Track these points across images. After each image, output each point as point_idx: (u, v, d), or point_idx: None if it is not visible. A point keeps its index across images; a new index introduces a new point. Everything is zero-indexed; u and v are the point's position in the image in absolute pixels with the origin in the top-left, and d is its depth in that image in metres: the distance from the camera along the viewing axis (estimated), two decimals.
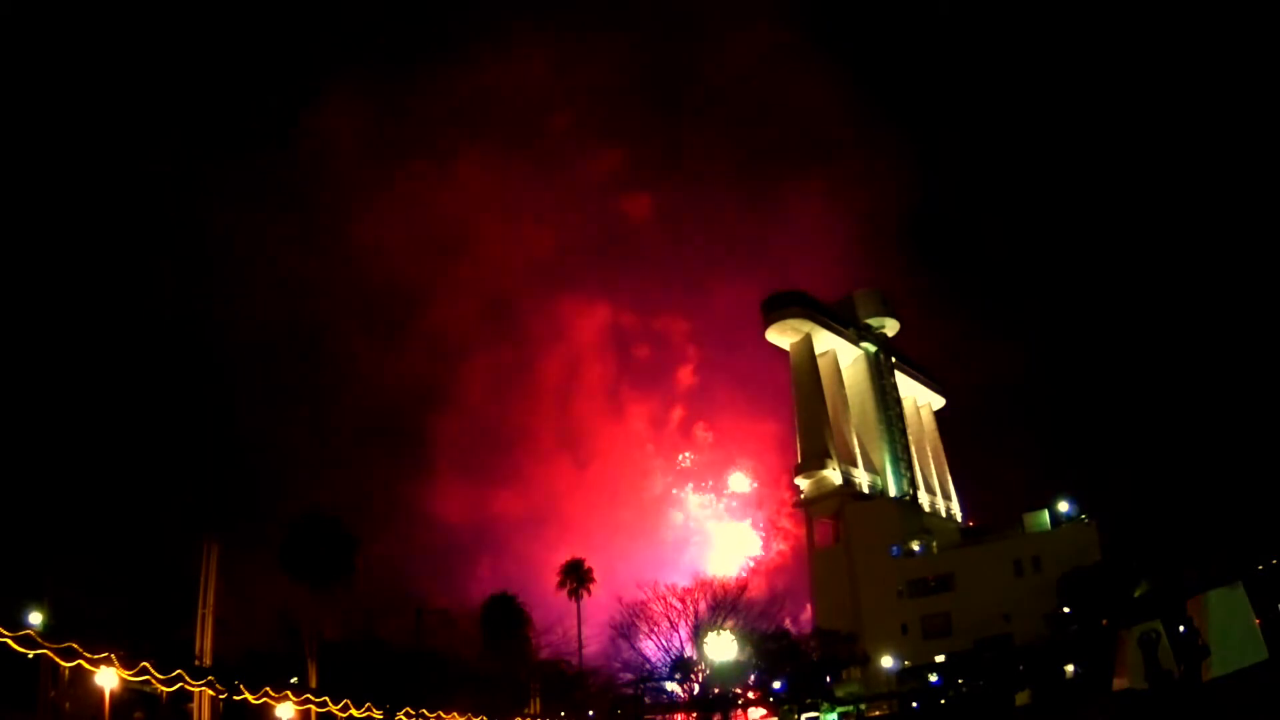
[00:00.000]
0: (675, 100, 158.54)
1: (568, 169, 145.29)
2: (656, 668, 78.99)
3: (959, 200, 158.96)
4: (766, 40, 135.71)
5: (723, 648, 74.62)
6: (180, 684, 33.98)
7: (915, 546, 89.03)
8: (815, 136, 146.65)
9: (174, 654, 36.40)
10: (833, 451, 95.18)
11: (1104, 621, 59.97)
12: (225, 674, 36.88)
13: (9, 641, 27.57)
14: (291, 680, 44.28)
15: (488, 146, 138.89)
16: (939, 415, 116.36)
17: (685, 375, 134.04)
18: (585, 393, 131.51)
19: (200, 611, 39.83)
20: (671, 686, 77.47)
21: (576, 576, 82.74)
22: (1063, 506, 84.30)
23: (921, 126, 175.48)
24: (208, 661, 38.56)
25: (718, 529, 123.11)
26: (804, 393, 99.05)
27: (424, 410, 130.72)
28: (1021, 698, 61.62)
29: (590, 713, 76.06)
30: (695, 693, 75.94)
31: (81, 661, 30.12)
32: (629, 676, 79.72)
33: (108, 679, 31.42)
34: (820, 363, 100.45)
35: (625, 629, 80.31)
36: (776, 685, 73.70)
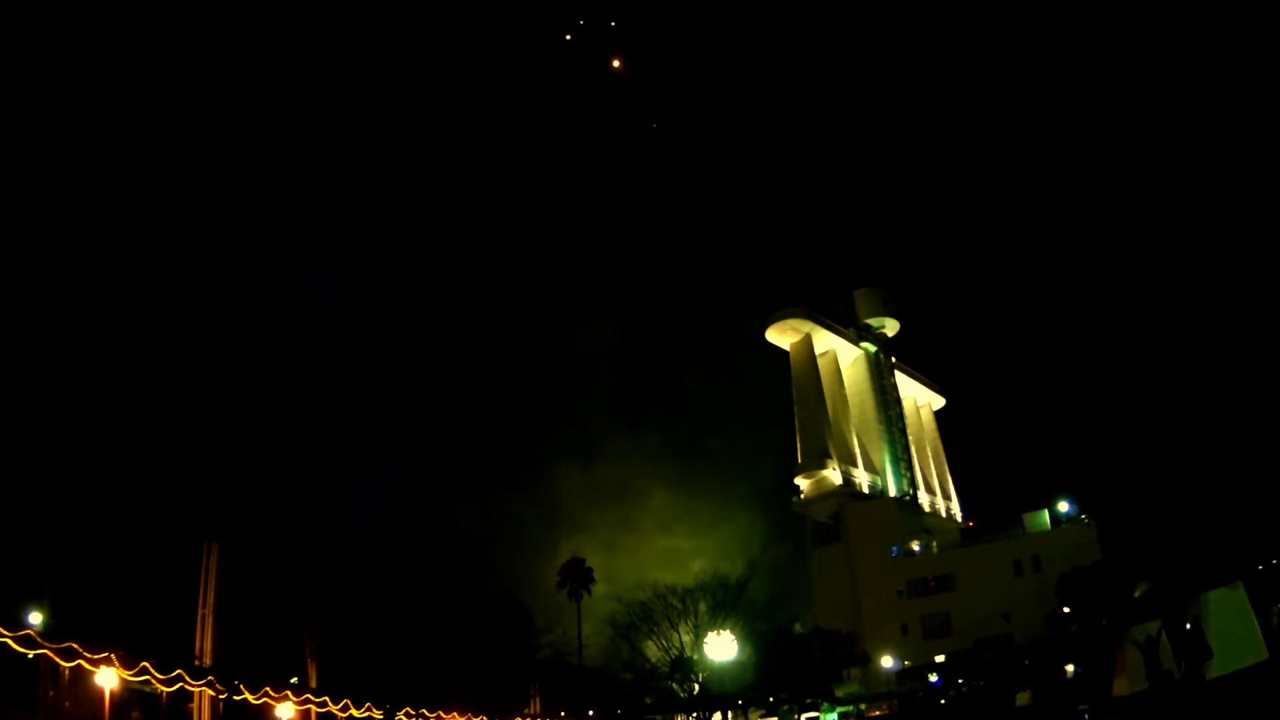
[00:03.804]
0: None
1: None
2: (657, 668, 79.00)
3: (958, 200, 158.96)
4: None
5: (723, 648, 74.58)
6: (180, 684, 34.02)
7: (915, 546, 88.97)
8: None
9: (174, 654, 36.41)
10: (832, 451, 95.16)
11: (1104, 621, 59.98)
12: (225, 674, 36.90)
13: (9, 641, 27.60)
14: (291, 680, 44.35)
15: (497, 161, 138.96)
16: (939, 415, 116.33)
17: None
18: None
19: (200, 611, 39.88)
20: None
21: (576, 577, 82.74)
22: (1063, 506, 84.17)
23: (920, 129, 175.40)
24: (208, 661, 38.58)
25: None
26: (804, 393, 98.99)
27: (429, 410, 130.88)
28: (1022, 698, 61.71)
29: (590, 713, 76.15)
30: (695, 693, 75.95)
31: (81, 661, 30.15)
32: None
33: (108, 679, 31.45)
34: (820, 363, 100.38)
35: (626, 629, 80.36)
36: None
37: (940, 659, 79.32)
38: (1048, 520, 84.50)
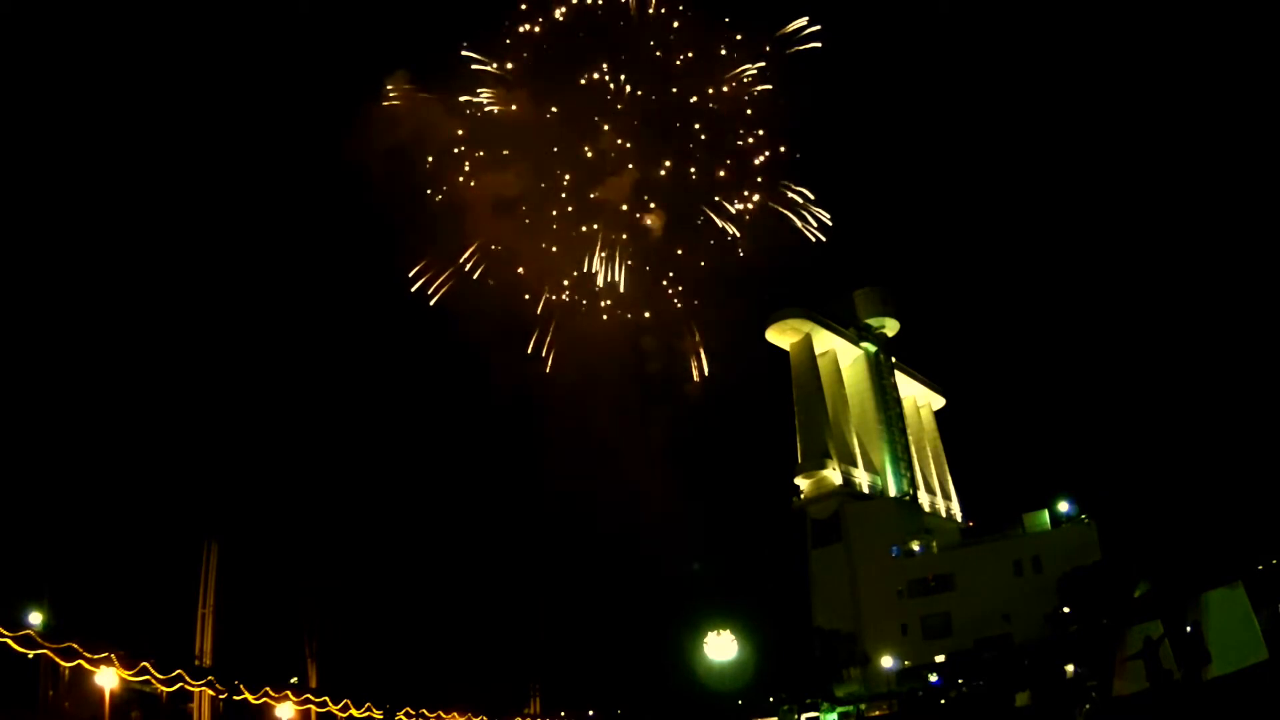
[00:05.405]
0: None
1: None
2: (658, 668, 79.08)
3: (957, 200, 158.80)
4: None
5: (723, 648, 74.64)
6: (180, 684, 34.02)
7: (915, 546, 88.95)
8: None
9: (174, 654, 36.40)
10: (833, 451, 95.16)
11: (1104, 621, 59.91)
12: (225, 674, 36.90)
13: (9, 641, 27.60)
14: (291, 680, 44.35)
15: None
16: (939, 415, 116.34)
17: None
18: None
19: (200, 611, 39.89)
20: None
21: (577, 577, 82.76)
22: (1063, 506, 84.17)
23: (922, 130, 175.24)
24: (208, 661, 38.58)
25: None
26: (804, 393, 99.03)
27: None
28: (1021, 698, 61.62)
29: (590, 712, 76.21)
30: (695, 692, 76.01)
31: (81, 661, 30.15)
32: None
33: (108, 679, 31.46)
34: (820, 363, 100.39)
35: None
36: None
37: (940, 659, 79.29)
38: (1048, 520, 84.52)
